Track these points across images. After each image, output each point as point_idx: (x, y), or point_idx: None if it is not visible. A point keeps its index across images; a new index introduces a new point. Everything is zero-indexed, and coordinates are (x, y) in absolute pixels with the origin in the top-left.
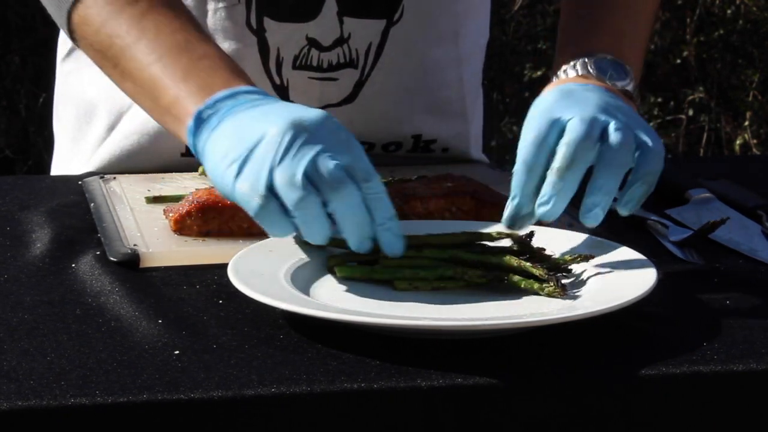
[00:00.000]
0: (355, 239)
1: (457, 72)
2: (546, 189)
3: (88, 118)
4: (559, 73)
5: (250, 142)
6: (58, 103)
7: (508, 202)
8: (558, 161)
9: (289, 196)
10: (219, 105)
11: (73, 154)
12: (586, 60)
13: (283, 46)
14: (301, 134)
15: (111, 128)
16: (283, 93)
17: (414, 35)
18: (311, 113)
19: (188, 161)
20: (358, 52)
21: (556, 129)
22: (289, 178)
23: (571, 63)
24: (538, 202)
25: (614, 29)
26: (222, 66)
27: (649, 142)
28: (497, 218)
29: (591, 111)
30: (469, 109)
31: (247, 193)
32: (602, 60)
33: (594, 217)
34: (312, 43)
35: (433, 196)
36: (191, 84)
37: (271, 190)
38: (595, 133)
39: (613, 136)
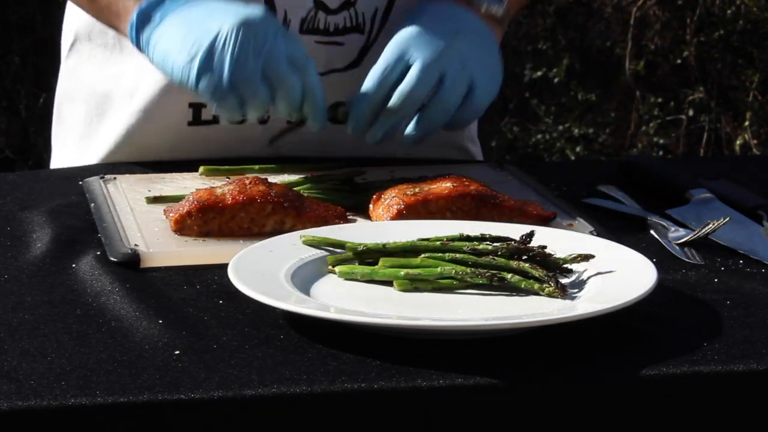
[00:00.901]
0: (285, 112)
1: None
2: (377, 124)
3: (100, 110)
4: None
5: (206, 40)
6: (62, 102)
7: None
8: (391, 103)
9: (248, 91)
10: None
11: (80, 151)
12: None
13: (291, 8)
14: (250, 32)
15: (124, 113)
16: None
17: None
18: (255, 11)
19: (195, 130)
20: (364, 16)
21: (400, 68)
22: (249, 76)
23: None
24: (368, 134)
25: None
26: None
27: (476, 90)
28: (497, 218)
29: (434, 53)
30: None
31: (211, 88)
32: None
33: (407, 139)
34: (319, 5)
35: (434, 197)
36: None
37: (231, 84)
38: (431, 80)
39: (448, 82)
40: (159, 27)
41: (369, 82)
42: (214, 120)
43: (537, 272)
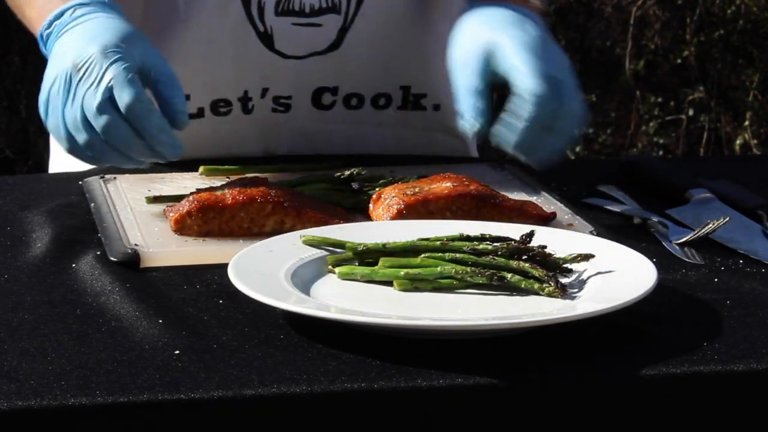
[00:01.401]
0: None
1: (445, 25)
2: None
3: None
4: None
5: (48, 83)
6: None
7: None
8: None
9: (79, 137)
10: (53, 25)
11: None
12: None
13: None
14: (75, 76)
15: None
16: (268, 40)
17: None
18: (89, 50)
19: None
20: None
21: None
22: (72, 123)
23: None
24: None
25: None
26: None
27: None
28: (497, 218)
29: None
30: None
31: (55, 135)
32: None
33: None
34: None
35: (434, 197)
36: (35, 6)
37: (67, 130)
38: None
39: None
40: (51, 46)
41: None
42: (199, 113)
43: (537, 272)
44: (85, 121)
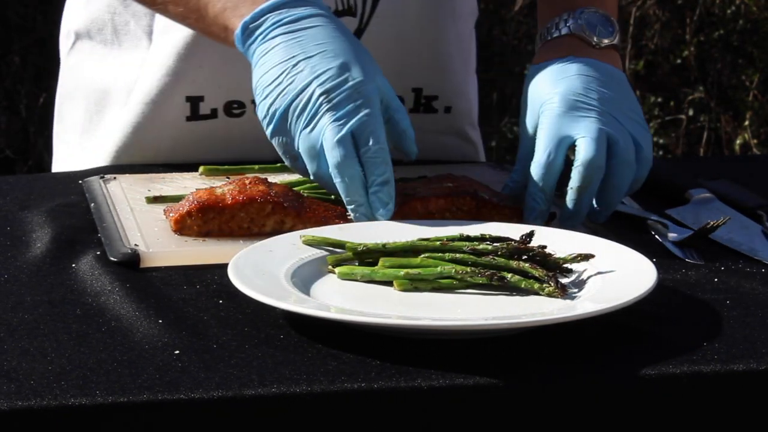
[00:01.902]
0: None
1: (455, 28)
2: (569, 206)
3: (99, 106)
4: (549, 27)
5: (282, 97)
6: (62, 101)
7: (528, 209)
8: (576, 181)
9: (311, 166)
10: (265, 17)
11: (82, 148)
12: (576, 16)
13: None
14: (323, 103)
15: (124, 107)
16: None
17: None
18: (343, 77)
19: (194, 126)
20: None
21: (563, 149)
22: (308, 150)
23: (561, 17)
24: (562, 219)
25: None
26: None
27: (641, 144)
28: (497, 218)
29: (595, 124)
30: (469, 66)
31: (282, 149)
32: (591, 14)
33: (605, 216)
34: None
35: (434, 197)
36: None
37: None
38: (604, 148)
39: (618, 148)
40: (261, 53)
41: (538, 172)
42: (212, 114)
43: (537, 272)
44: (321, 150)
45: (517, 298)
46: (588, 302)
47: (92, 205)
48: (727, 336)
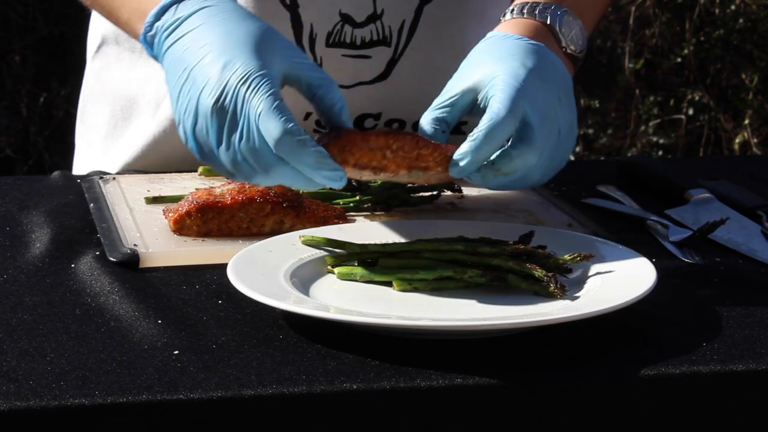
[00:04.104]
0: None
1: None
2: (481, 174)
3: (126, 114)
4: (526, 4)
5: (184, 114)
6: (86, 102)
7: (460, 153)
8: (500, 164)
9: (239, 176)
10: (157, 24)
11: (105, 152)
12: (558, 12)
13: (317, 21)
14: (219, 115)
15: (152, 120)
16: None
17: (446, 14)
18: (227, 78)
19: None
20: (391, 29)
21: (515, 126)
22: (232, 165)
23: (540, 3)
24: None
25: None
26: None
27: (531, 147)
28: (436, 158)
29: (550, 122)
30: None
31: (216, 169)
32: (571, 20)
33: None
34: (345, 18)
35: (374, 134)
36: (132, 1)
37: (228, 169)
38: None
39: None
40: (164, 60)
41: (490, 124)
42: None
43: (537, 272)
44: (245, 162)
45: (517, 298)
46: (588, 302)
47: (92, 205)
48: (727, 336)
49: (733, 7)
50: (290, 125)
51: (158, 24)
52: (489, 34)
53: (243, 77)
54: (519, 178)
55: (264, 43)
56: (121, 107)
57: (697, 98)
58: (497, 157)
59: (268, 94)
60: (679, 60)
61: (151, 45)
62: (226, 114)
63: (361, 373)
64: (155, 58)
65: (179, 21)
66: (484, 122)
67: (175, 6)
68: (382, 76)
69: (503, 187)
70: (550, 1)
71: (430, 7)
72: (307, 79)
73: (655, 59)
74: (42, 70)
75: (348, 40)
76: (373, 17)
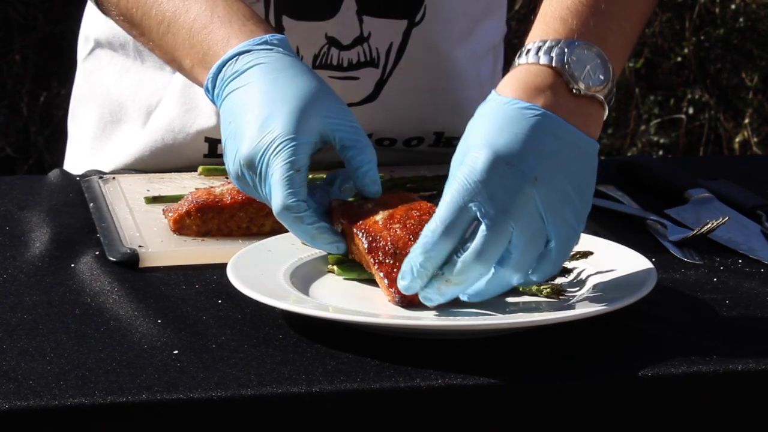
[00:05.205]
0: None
1: (476, 71)
2: (430, 290)
3: (115, 118)
4: (530, 48)
5: (233, 163)
6: (77, 102)
7: (402, 272)
8: (450, 273)
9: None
10: (219, 76)
11: (93, 153)
12: (565, 48)
13: (303, 44)
14: (251, 174)
15: (141, 127)
16: None
17: (435, 35)
18: (260, 142)
19: (211, 162)
20: (378, 51)
21: (465, 221)
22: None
23: (547, 43)
24: (421, 294)
25: (602, 11)
26: (212, 23)
27: (552, 251)
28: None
29: (506, 215)
30: None
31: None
32: (582, 50)
33: (470, 298)
34: (331, 41)
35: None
36: (197, 50)
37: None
38: (498, 248)
39: (513, 259)
40: (222, 108)
41: (429, 240)
42: None
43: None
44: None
45: (517, 298)
46: (588, 302)
47: (91, 205)
48: (727, 336)
49: (733, 7)
50: (290, 201)
51: (219, 76)
52: (489, 97)
53: (272, 140)
54: (480, 288)
55: (308, 103)
56: (110, 111)
57: (697, 97)
58: (445, 265)
59: (285, 162)
60: (679, 59)
61: (212, 94)
62: (256, 171)
63: (361, 373)
64: (215, 104)
65: (236, 74)
66: (419, 240)
67: (235, 59)
68: (371, 97)
69: (472, 297)
70: (565, 36)
71: (419, 30)
72: (341, 140)
73: (655, 58)
74: (42, 69)
75: (335, 63)
76: (360, 40)
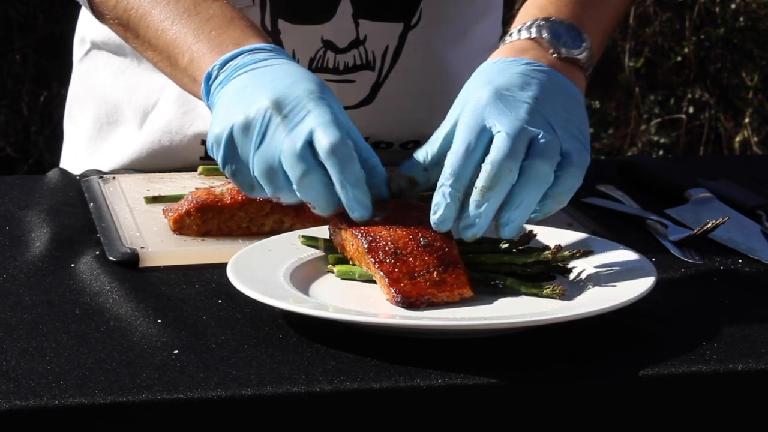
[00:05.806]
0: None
1: (471, 73)
2: (471, 208)
3: (111, 119)
4: (512, 32)
5: (228, 121)
6: (73, 102)
7: (434, 205)
8: (482, 180)
9: (267, 187)
10: (227, 65)
11: (89, 153)
12: (541, 23)
13: (299, 48)
14: (274, 117)
15: (138, 129)
16: None
17: (431, 38)
18: (293, 91)
19: (208, 164)
20: (374, 54)
21: (484, 140)
22: (263, 170)
23: (527, 23)
24: (462, 223)
25: (580, 2)
26: (231, 24)
27: (572, 155)
28: None
29: (519, 121)
30: None
31: (236, 180)
32: (558, 24)
33: (510, 231)
34: (327, 45)
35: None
36: (202, 45)
37: (253, 175)
38: (521, 149)
39: (538, 149)
40: (219, 95)
41: (454, 162)
42: None
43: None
44: (280, 168)
45: (517, 298)
46: (588, 302)
47: (91, 204)
48: (727, 336)
49: (733, 6)
50: (345, 138)
51: (233, 62)
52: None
53: (312, 92)
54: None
55: (326, 88)
56: (107, 112)
57: (697, 97)
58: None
59: (332, 109)
60: (679, 59)
61: (210, 84)
62: (280, 115)
63: (361, 372)
64: (209, 107)
65: (255, 61)
66: (444, 171)
67: (250, 52)
68: (367, 100)
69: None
70: (541, 17)
71: (415, 33)
72: (354, 140)
73: (655, 58)
74: (42, 69)
75: (331, 66)
76: (356, 43)
